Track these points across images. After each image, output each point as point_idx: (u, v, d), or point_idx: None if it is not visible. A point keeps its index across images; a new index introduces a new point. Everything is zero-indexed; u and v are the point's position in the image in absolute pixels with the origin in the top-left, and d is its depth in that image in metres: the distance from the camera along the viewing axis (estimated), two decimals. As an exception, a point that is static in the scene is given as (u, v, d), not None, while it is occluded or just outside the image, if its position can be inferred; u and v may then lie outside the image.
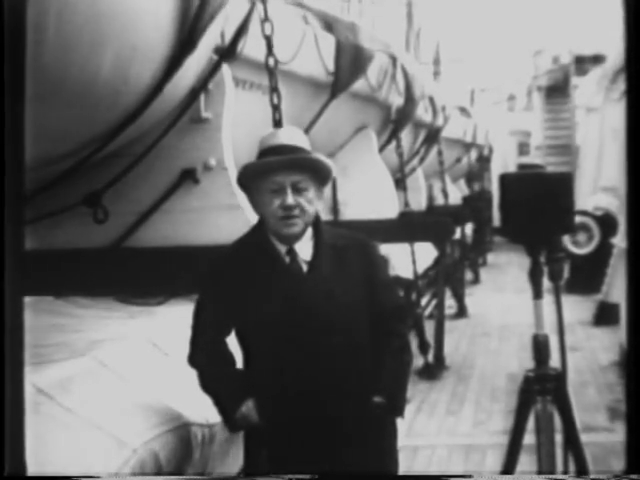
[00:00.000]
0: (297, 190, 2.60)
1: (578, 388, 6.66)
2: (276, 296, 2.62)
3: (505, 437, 3.32)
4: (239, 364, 2.74)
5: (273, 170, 2.59)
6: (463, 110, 15.49)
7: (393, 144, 8.38)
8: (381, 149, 8.26)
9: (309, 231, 2.69)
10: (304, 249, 2.67)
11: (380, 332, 2.73)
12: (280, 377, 2.62)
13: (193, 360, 2.74)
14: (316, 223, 2.70)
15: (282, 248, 2.66)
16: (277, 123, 4.11)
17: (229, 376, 2.71)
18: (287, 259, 2.66)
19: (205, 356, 2.72)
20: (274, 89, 4.15)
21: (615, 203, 11.52)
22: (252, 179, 2.64)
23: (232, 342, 2.75)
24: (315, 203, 2.66)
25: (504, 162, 21.12)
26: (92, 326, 3.84)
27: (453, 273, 11.21)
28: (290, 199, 2.59)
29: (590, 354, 8.34)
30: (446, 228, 7.99)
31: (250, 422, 2.65)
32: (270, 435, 2.65)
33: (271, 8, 4.16)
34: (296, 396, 2.60)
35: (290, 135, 2.70)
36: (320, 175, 2.66)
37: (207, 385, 2.72)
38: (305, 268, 2.66)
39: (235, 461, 3.28)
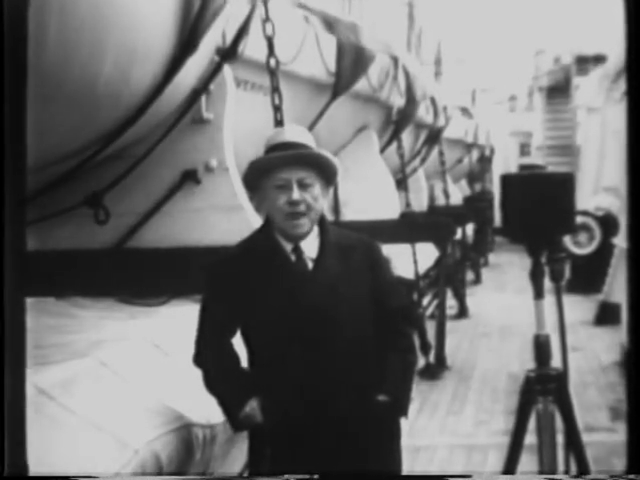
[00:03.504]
0: (303, 186, 2.61)
1: (579, 388, 6.65)
2: (281, 294, 2.62)
3: (506, 437, 3.32)
4: (244, 364, 2.74)
5: (279, 166, 2.60)
6: (464, 110, 15.51)
7: (394, 145, 8.39)
8: (382, 150, 8.27)
9: (315, 229, 2.69)
10: (310, 247, 2.68)
11: (385, 332, 2.74)
12: (285, 376, 2.62)
13: (198, 360, 2.74)
14: (322, 221, 2.72)
15: (288, 246, 2.67)
16: (278, 124, 4.11)
17: (234, 376, 2.71)
18: (293, 257, 2.67)
19: (210, 356, 2.72)
20: (275, 90, 4.15)
21: (616, 203, 11.51)
22: (258, 176, 2.65)
23: (237, 342, 2.75)
24: (321, 200, 2.67)
25: (505, 162, 21.13)
26: (93, 327, 3.84)
27: (454, 273, 11.20)
28: (296, 194, 2.59)
29: (591, 354, 8.33)
30: (447, 228, 8.00)
31: (254, 422, 2.65)
32: (274, 435, 2.65)
33: (272, 9, 4.16)
34: (300, 395, 2.60)
35: (296, 133, 2.72)
36: (326, 172, 2.67)
37: (211, 385, 2.72)
38: (310, 266, 2.67)
39: (236, 461, 3.29)
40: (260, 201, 2.72)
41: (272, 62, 4.17)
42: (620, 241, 9.46)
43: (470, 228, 14.91)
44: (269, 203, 2.65)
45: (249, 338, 2.71)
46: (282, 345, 2.62)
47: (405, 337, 2.81)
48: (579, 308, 9.93)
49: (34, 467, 2.10)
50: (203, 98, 3.99)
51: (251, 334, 2.70)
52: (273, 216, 2.66)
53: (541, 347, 3.29)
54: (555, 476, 3.25)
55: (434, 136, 10.96)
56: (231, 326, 2.72)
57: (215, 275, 2.77)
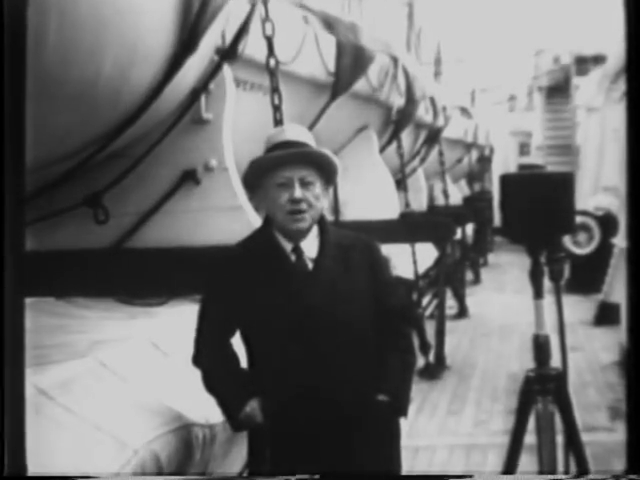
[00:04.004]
0: (304, 184, 2.62)
1: (579, 388, 6.66)
2: (281, 294, 2.63)
3: (506, 437, 3.32)
4: (243, 364, 2.74)
5: (281, 164, 2.61)
6: (464, 110, 15.49)
7: (394, 145, 8.38)
8: (382, 150, 8.26)
9: (315, 229, 2.70)
10: (310, 247, 2.68)
11: (384, 332, 2.75)
12: (284, 376, 2.62)
13: (197, 360, 2.74)
14: (321, 221, 2.72)
15: (288, 246, 2.68)
16: (278, 124, 4.11)
17: (233, 376, 2.71)
18: (293, 257, 2.67)
19: (209, 356, 2.73)
20: (275, 90, 4.15)
21: (616, 203, 11.51)
22: (260, 175, 2.65)
23: (236, 342, 2.75)
24: (321, 199, 2.68)
25: (505, 162, 21.12)
26: (93, 327, 3.84)
27: (454, 273, 11.21)
28: (298, 192, 2.60)
29: (591, 354, 8.34)
30: (447, 228, 7.99)
31: (254, 422, 2.65)
32: (274, 435, 2.65)
33: (272, 8, 4.16)
34: (300, 395, 2.60)
35: (296, 132, 2.74)
36: (326, 171, 2.68)
37: (211, 385, 2.72)
38: (310, 266, 2.67)
39: (236, 461, 3.29)
40: (260, 200, 2.72)
41: (272, 62, 4.17)
42: (619, 241, 9.46)
43: (470, 228, 14.92)
44: (270, 201, 2.65)
45: (249, 338, 2.71)
46: (282, 345, 2.62)
47: (404, 337, 2.82)
48: (578, 308, 9.94)
49: (34, 467, 2.10)
50: (203, 98, 3.99)
51: (251, 334, 2.70)
52: (274, 214, 2.66)
53: (540, 347, 3.29)
54: (555, 476, 3.25)
55: (433, 136, 10.95)
56: (231, 326, 2.72)
57: (215, 275, 2.77)
